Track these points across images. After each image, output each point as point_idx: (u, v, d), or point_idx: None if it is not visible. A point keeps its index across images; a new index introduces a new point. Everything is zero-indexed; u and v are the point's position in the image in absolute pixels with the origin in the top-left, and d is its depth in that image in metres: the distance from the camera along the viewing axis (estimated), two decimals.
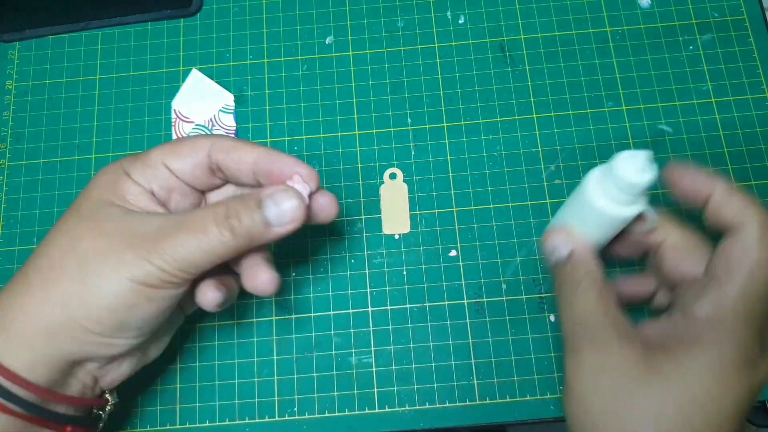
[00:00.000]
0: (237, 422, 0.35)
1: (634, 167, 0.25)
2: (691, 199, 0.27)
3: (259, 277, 0.29)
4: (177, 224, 0.27)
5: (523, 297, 0.37)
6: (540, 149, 0.40)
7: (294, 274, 0.38)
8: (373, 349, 0.36)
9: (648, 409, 0.24)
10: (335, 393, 0.36)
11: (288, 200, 0.27)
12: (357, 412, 0.35)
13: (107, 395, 0.30)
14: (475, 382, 0.35)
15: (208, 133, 0.41)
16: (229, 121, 0.41)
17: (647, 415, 0.24)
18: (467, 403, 0.35)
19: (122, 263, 0.26)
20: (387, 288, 0.37)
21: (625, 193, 0.26)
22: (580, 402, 0.26)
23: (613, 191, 0.26)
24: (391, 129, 0.41)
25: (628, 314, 0.27)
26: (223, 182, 0.31)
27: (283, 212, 0.27)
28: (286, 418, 0.35)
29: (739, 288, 0.24)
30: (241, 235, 0.27)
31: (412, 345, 0.36)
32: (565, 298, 0.28)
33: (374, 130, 0.41)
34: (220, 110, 0.41)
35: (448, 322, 0.37)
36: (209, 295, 0.29)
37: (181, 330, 0.37)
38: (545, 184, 0.39)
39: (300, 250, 0.38)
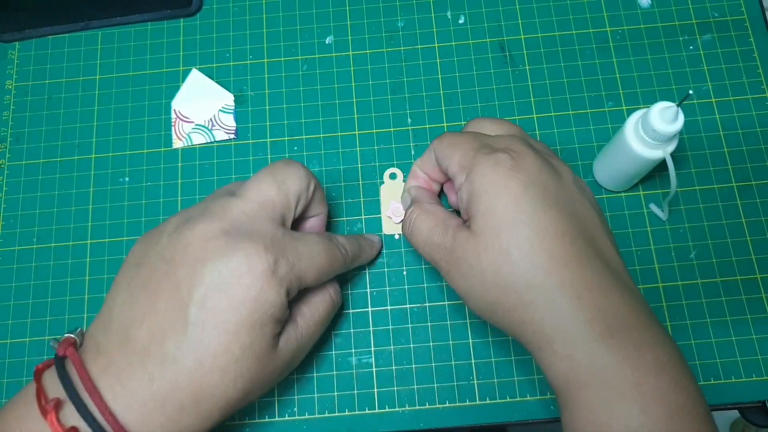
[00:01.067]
0: (237, 422, 0.35)
1: (664, 118, 0.30)
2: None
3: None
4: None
5: None
6: None
7: None
8: (373, 349, 0.36)
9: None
10: (335, 393, 0.36)
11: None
12: (357, 413, 0.35)
13: None
14: (476, 382, 0.35)
15: (207, 132, 0.41)
16: (229, 121, 0.41)
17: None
18: (467, 403, 0.35)
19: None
20: (387, 288, 0.37)
21: (653, 139, 0.31)
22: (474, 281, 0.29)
23: (644, 136, 0.31)
24: (391, 129, 0.41)
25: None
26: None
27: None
28: (287, 418, 0.35)
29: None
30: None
31: (412, 345, 0.36)
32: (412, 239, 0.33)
33: (374, 130, 0.41)
34: (220, 110, 0.41)
35: (448, 322, 0.36)
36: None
37: None
38: None
39: None
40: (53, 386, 0.25)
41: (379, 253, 0.38)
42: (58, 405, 0.24)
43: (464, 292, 0.29)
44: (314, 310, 0.31)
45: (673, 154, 0.32)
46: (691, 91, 0.29)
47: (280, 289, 0.27)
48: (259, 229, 0.28)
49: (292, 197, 0.30)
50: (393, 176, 0.39)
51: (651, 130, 0.31)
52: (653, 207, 0.38)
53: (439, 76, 0.41)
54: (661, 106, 0.30)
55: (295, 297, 0.30)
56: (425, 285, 0.37)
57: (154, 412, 0.25)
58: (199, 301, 0.26)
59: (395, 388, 0.35)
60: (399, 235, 0.38)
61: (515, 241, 0.27)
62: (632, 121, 0.32)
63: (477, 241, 0.28)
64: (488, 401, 0.35)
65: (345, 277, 0.38)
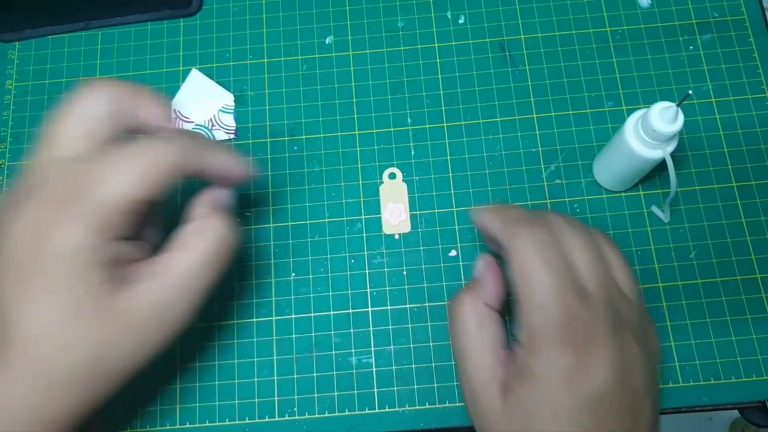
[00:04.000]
0: (237, 422, 0.35)
1: (664, 118, 0.30)
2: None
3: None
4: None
5: None
6: (540, 149, 0.40)
7: (294, 274, 0.38)
8: (373, 349, 0.36)
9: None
10: (335, 393, 0.36)
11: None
12: (357, 413, 0.35)
13: None
14: None
15: (207, 132, 0.41)
16: (229, 121, 0.41)
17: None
18: None
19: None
20: (387, 288, 0.37)
21: (653, 139, 0.31)
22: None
23: (644, 136, 0.31)
24: (391, 129, 0.41)
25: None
26: None
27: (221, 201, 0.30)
28: (286, 418, 0.35)
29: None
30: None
31: (412, 345, 0.36)
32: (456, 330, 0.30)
33: (374, 130, 0.41)
34: (220, 110, 0.41)
35: (449, 323, 0.36)
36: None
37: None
38: (545, 184, 0.39)
39: (300, 249, 0.38)
40: None
41: (242, 175, 0.31)
42: None
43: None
44: (185, 247, 0.26)
45: (673, 154, 0.32)
46: (690, 92, 0.29)
47: (80, 225, 0.23)
48: (38, 172, 0.25)
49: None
50: (392, 176, 0.39)
51: (651, 130, 0.31)
52: (655, 209, 0.38)
53: (439, 76, 0.41)
54: (661, 106, 0.30)
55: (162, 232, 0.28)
56: (425, 285, 0.37)
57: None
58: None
59: (395, 388, 0.35)
60: (399, 235, 0.38)
61: None
62: (632, 121, 0.33)
63: (509, 416, 0.26)
64: None
65: (345, 277, 0.37)
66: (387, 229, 0.38)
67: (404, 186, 0.39)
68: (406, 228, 0.38)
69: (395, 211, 0.38)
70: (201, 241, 0.27)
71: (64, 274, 0.23)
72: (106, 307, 0.24)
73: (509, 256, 0.27)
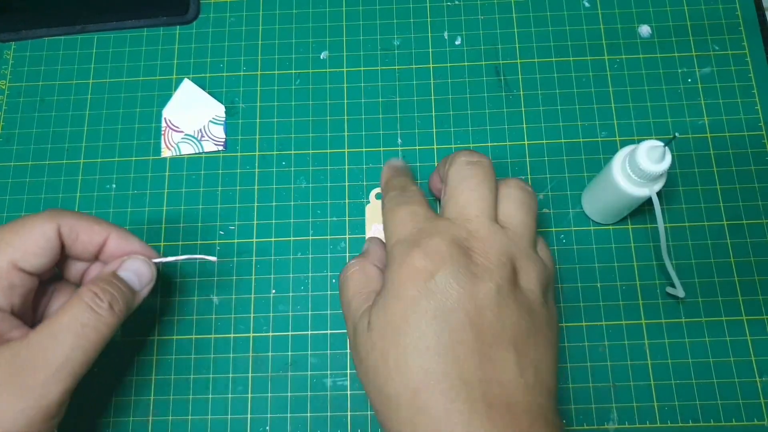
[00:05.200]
0: None
1: (651, 157, 0.30)
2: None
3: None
4: (54, 333, 0.26)
5: None
6: (529, 177, 0.39)
7: (274, 292, 0.37)
8: (348, 371, 0.36)
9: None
10: (308, 414, 0.35)
11: (141, 264, 0.31)
12: None
13: None
14: None
15: (196, 143, 0.41)
16: (219, 133, 0.41)
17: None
18: None
19: (15, 415, 0.25)
20: None
21: (640, 177, 0.31)
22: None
23: (630, 174, 0.31)
24: (381, 149, 0.40)
25: None
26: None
27: (141, 275, 0.30)
28: None
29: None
30: (121, 310, 0.29)
31: None
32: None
33: (364, 149, 0.40)
34: (211, 121, 0.41)
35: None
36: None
37: (157, 342, 0.37)
38: None
39: (282, 266, 0.38)
40: None
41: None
42: None
43: (359, 376, 0.28)
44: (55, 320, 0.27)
45: (663, 189, 0.32)
46: (677, 134, 0.29)
47: None
48: None
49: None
50: (378, 196, 0.39)
51: (637, 169, 0.30)
52: (670, 290, 0.36)
53: (432, 97, 0.41)
54: (648, 145, 0.30)
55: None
56: None
57: None
58: None
59: (369, 413, 0.35)
60: None
61: (394, 351, 0.25)
62: (620, 158, 0.32)
63: (370, 334, 0.27)
64: None
65: (325, 297, 0.37)
66: None
67: None
68: None
69: (379, 232, 0.38)
70: (67, 312, 0.28)
71: None
72: None
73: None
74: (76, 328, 0.27)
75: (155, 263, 0.31)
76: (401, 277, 0.26)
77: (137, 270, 0.30)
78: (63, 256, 0.30)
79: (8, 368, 0.25)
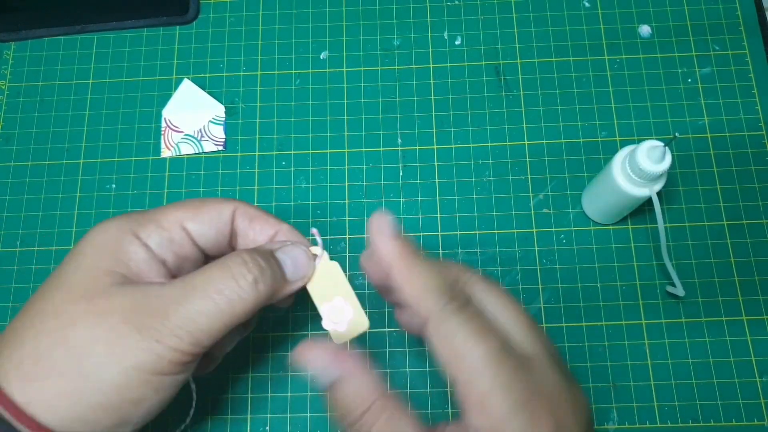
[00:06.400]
0: None
1: (651, 157, 0.30)
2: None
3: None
4: (186, 289, 0.24)
5: None
6: (529, 177, 0.39)
7: None
8: None
9: None
10: (308, 414, 0.35)
11: (302, 254, 0.27)
12: None
13: None
14: (450, 410, 0.35)
15: (196, 143, 0.41)
16: (219, 133, 0.41)
17: None
18: None
19: (127, 351, 0.22)
20: (367, 310, 0.37)
21: (640, 177, 0.31)
22: None
23: (630, 174, 0.31)
24: (381, 149, 0.40)
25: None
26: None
27: (299, 265, 0.26)
28: None
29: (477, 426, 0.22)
30: (265, 290, 0.24)
31: (388, 370, 0.36)
32: None
33: (364, 149, 0.40)
34: (210, 121, 0.41)
35: (426, 348, 0.36)
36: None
37: None
38: (532, 212, 0.38)
39: None
40: None
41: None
42: None
43: None
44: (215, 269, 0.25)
45: (663, 189, 0.32)
46: (677, 134, 0.29)
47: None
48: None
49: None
50: (314, 242, 0.28)
51: (638, 169, 0.30)
52: (670, 289, 0.36)
53: (432, 97, 0.41)
54: (649, 145, 0.30)
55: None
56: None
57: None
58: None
59: None
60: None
61: None
62: (620, 158, 0.32)
63: None
64: None
65: None
66: (336, 339, 0.27)
67: (337, 267, 0.28)
68: (362, 327, 0.27)
69: (336, 311, 0.27)
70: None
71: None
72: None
73: (435, 337, 0.23)
74: (209, 292, 0.24)
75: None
76: None
77: (296, 258, 0.27)
78: (232, 245, 0.28)
79: (135, 304, 0.23)
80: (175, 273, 0.26)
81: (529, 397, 0.22)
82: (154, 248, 0.25)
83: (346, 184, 0.40)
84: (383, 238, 0.24)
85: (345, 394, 0.23)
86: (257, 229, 0.28)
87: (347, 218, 0.39)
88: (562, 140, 0.40)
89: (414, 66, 0.42)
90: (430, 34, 0.42)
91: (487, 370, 0.22)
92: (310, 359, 0.23)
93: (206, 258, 0.28)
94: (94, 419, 0.23)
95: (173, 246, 0.26)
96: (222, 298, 0.24)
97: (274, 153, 0.40)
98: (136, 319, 0.23)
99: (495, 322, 0.24)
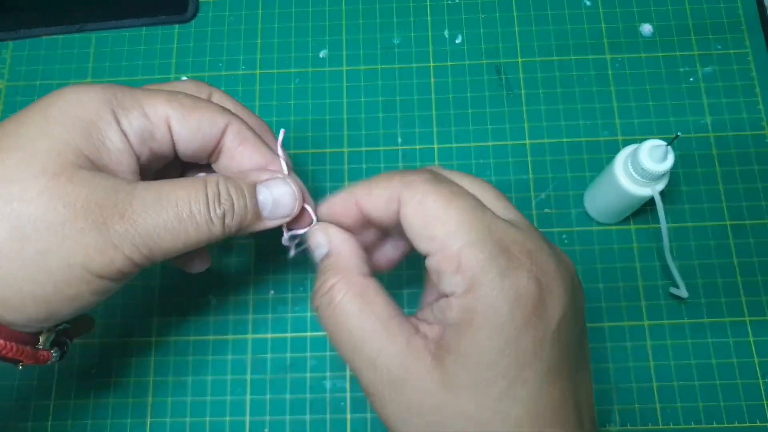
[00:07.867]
0: None
1: (653, 156, 0.29)
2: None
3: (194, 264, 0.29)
4: (160, 199, 0.22)
5: None
6: (531, 176, 0.39)
7: (273, 293, 0.37)
8: (348, 373, 0.35)
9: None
10: (307, 416, 0.35)
11: (287, 193, 0.24)
12: None
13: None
14: None
15: None
16: None
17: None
18: None
19: (78, 247, 0.20)
20: None
21: (642, 177, 0.30)
22: None
23: (633, 173, 0.31)
24: (381, 148, 0.40)
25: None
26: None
27: (280, 206, 0.25)
28: None
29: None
30: (231, 225, 0.23)
31: None
32: (329, 322, 0.23)
33: (363, 149, 0.40)
34: None
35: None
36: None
37: (155, 344, 0.36)
38: (534, 212, 0.38)
39: (280, 267, 0.38)
40: None
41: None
42: None
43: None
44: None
45: (666, 189, 0.31)
46: (679, 133, 0.29)
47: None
48: None
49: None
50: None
51: (640, 168, 0.30)
52: (673, 290, 0.35)
53: (432, 96, 0.41)
54: (651, 144, 0.30)
55: None
56: (405, 310, 0.37)
57: None
58: None
59: (368, 415, 0.35)
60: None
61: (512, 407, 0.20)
62: (622, 157, 0.32)
63: (455, 392, 0.20)
64: None
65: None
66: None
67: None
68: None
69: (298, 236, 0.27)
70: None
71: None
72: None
73: (407, 209, 0.22)
74: (181, 211, 0.22)
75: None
76: (515, 315, 0.19)
77: (280, 198, 0.24)
78: (211, 159, 0.26)
79: (100, 198, 0.21)
80: (141, 172, 0.24)
81: (508, 245, 0.20)
82: (132, 139, 0.23)
83: (346, 184, 0.39)
84: (335, 199, 0.25)
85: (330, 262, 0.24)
86: (246, 153, 0.25)
87: None
88: (564, 139, 0.39)
89: (414, 65, 0.42)
90: (430, 33, 0.42)
91: (461, 227, 0.20)
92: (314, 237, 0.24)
93: (174, 161, 0.26)
94: (20, 306, 0.21)
95: (152, 142, 0.23)
96: (191, 222, 0.22)
97: None
98: (99, 215, 0.21)
99: (469, 190, 0.22)
